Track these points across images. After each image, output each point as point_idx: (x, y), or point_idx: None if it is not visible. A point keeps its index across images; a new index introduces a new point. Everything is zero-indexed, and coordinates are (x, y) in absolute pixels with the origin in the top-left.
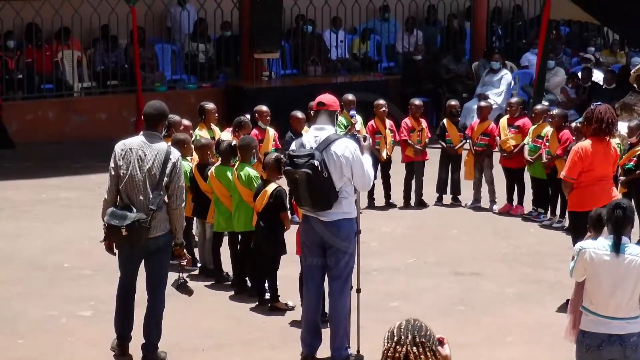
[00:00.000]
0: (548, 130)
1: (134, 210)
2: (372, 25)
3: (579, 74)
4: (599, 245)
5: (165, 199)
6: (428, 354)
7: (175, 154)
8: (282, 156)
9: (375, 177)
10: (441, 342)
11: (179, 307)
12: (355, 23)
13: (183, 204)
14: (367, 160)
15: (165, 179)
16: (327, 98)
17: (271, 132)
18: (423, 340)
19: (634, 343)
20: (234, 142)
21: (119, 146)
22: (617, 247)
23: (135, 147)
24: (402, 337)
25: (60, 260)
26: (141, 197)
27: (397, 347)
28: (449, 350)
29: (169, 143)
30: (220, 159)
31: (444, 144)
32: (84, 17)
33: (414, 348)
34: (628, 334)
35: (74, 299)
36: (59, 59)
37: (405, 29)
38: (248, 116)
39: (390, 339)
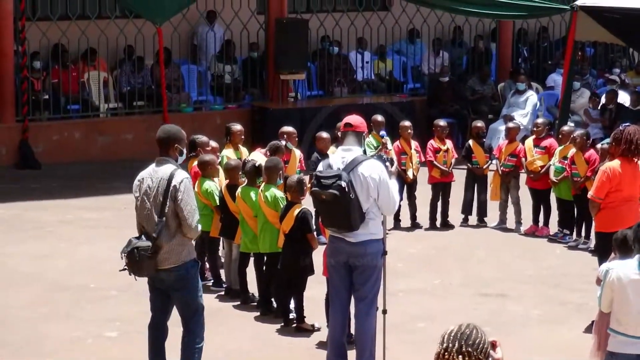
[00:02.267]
0: (573, 151)
1: (144, 238)
2: (399, 47)
3: (602, 95)
4: (626, 265)
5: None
6: None
7: (178, 177)
8: (304, 178)
9: (401, 199)
10: (494, 345)
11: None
12: (381, 44)
13: (197, 229)
14: (393, 184)
15: (170, 203)
16: (355, 119)
17: (297, 153)
18: (470, 349)
19: None
20: (258, 163)
21: (137, 177)
22: None
23: (145, 176)
24: (450, 345)
25: (86, 281)
26: (151, 227)
27: (445, 354)
28: (501, 354)
29: (195, 163)
30: (246, 179)
31: (470, 165)
32: (110, 37)
33: (460, 357)
34: None
35: (100, 319)
36: (85, 80)
37: (432, 50)
38: (283, 142)
39: (440, 344)
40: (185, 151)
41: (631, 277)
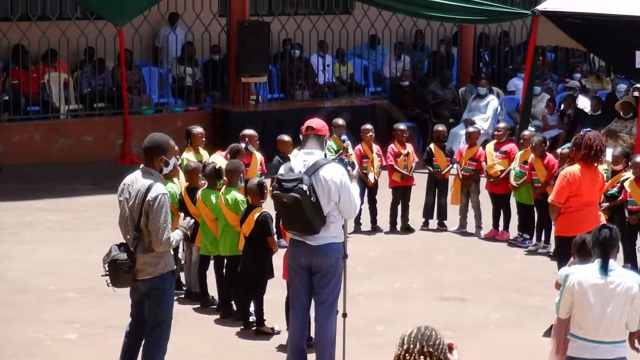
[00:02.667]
0: (532, 157)
1: (123, 249)
2: (360, 51)
3: (557, 100)
4: (587, 269)
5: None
6: None
7: (155, 191)
8: (264, 181)
9: (362, 202)
10: (450, 347)
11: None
12: (342, 47)
13: (166, 244)
14: (354, 188)
15: (143, 218)
16: (316, 123)
17: (258, 156)
18: (431, 350)
19: None
20: (218, 166)
21: (122, 181)
22: (605, 270)
23: (128, 183)
24: (411, 346)
25: (46, 283)
26: (128, 236)
27: (407, 355)
28: (457, 356)
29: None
30: (206, 182)
31: (432, 169)
32: (71, 39)
33: (421, 357)
34: (616, 358)
35: (59, 322)
36: (46, 81)
37: (393, 54)
38: (243, 145)
39: (401, 346)
40: (172, 162)
41: (592, 282)
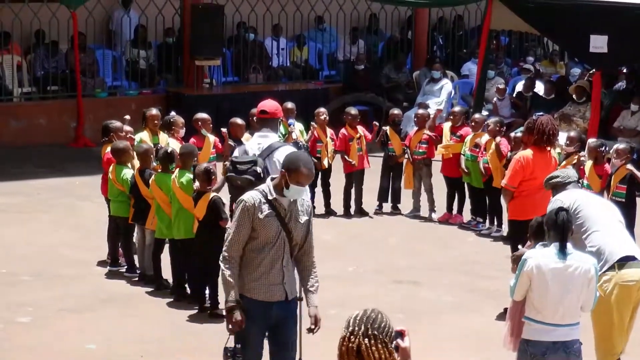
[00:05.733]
0: (485, 139)
1: None
2: (309, 34)
3: (514, 85)
4: (544, 253)
5: None
6: (379, 346)
7: None
8: (211, 167)
9: (315, 185)
10: (402, 334)
11: (116, 313)
12: (296, 31)
13: None
14: None
15: None
16: (269, 105)
17: (211, 138)
18: (375, 332)
19: (577, 350)
20: (170, 149)
21: None
22: (564, 253)
23: None
24: (356, 328)
25: None
26: None
27: (351, 337)
28: (408, 343)
29: (108, 149)
30: (160, 166)
31: (388, 153)
32: (24, 21)
33: (366, 340)
34: (572, 340)
35: (12, 305)
36: None
37: (348, 38)
38: (173, 113)
39: (346, 328)
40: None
41: (551, 266)
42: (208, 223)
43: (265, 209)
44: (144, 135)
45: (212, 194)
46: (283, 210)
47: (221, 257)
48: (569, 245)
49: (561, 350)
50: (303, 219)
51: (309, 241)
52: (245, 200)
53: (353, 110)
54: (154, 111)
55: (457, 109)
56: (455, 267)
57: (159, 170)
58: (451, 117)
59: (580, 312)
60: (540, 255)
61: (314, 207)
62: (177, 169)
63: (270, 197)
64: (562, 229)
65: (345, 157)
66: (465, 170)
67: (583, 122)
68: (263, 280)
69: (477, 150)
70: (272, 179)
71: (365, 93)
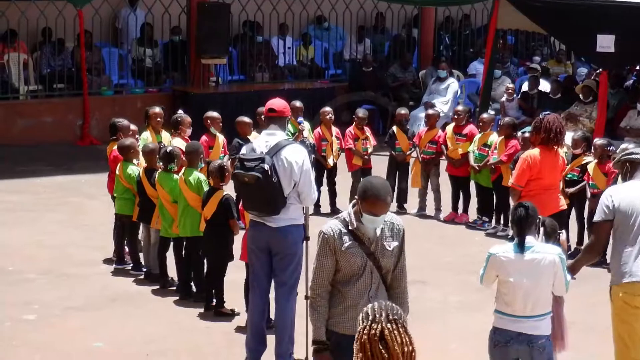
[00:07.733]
0: (496, 138)
1: None
2: (309, 31)
3: (521, 85)
4: (506, 249)
5: None
6: (401, 329)
7: None
8: (225, 164)
9: (321, 184)
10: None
11: (122, 312)
12: (303, 30)
13: None
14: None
15: None
16: (278, 104)
17: (221, 138)
18: (396, 317)
19: (541, 345)
20: (170, 149)
21: None
22: (521, 247)
23: None
24: (377, 315)
25: (4, 264)
26: None
27: (373, 324)
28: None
29: (115, 147)
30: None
31: (394, 152)
32: (30, 19)
33: (389, 325)
34: (537, 335)
35: (18, 302)
36: (5, 62)
37: (354, 37)
38: (181, 112)
39: (366, 318)
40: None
41: (511, 260)
42: (216, 221)
43: (347, 239)
44: (147, 134)
45: (225, 192)
46: (367, 240)
47: (307, 296)
48: (529, 238)
49: (525, 342)
50: (392, 245)
51: (400, 266)
52: (325, 232)
53: (361, 113)
54: (157, 109)
55: (460, 107)
56: (461, 267)
57: (161, 170)
58: (454, 117)
59: (551, 301)
60: (503, 250)
61: (319, 206)
62: (184, 167)
63: (351, 227)
64: (521, 224)
65: (354, 150)
66: (477, 167)
67: (589, 122)
68: (350, 313)
69: (486, 149)
70: (354, 206)
71: (367, 93)
